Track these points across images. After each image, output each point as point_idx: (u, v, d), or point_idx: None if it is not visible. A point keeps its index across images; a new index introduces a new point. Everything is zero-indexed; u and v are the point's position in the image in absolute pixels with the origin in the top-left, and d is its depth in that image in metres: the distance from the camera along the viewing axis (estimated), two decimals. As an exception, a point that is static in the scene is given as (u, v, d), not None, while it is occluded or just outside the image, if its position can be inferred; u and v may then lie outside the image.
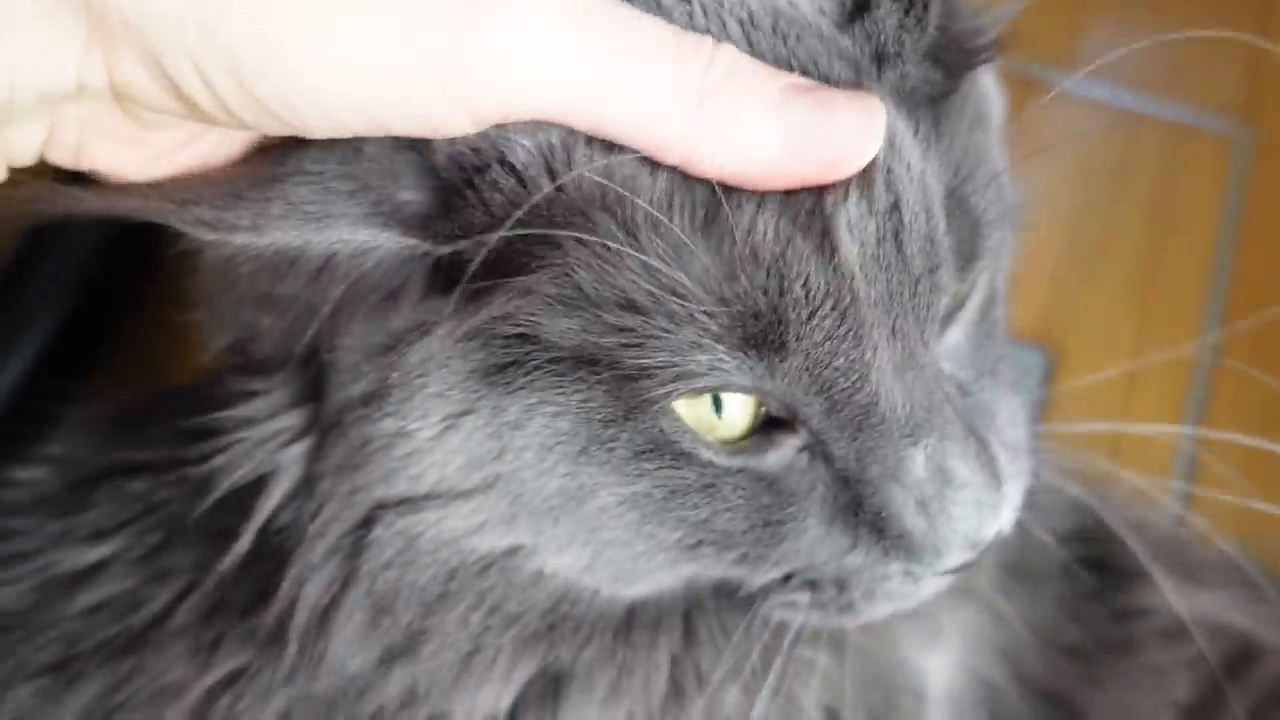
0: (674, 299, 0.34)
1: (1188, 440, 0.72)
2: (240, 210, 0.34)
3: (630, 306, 0.34)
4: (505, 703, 0.42)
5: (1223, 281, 0.81)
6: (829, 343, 0.35)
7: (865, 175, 0.34)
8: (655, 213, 0.33)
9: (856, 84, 0.35)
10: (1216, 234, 0.82)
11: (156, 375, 0.53)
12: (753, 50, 0.35)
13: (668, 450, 0.36)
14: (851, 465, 0.37)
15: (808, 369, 0.35)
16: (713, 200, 0.34)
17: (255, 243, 0.34)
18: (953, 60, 0.38)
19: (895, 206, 0.35)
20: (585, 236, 0.34)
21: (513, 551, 0.40)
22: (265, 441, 0.40)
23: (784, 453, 0.37)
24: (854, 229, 0.34)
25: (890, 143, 0.35)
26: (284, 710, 0.43)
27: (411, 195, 0.35)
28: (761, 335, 0.34)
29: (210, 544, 0.43)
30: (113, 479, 0.47)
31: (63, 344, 0.69)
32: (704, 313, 0.34)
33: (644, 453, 0.36)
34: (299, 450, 0.40)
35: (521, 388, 0.36)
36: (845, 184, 0.34)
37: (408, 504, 0.39)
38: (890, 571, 0.39)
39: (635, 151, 0.33)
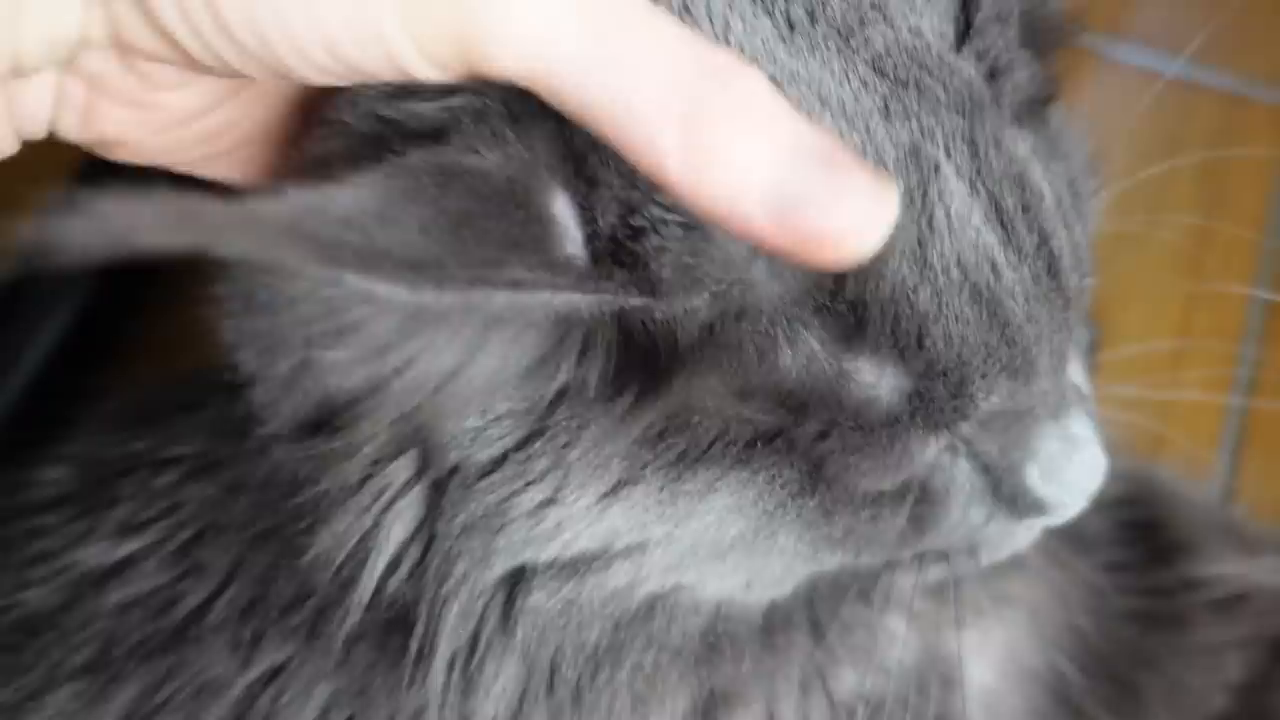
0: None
1: (1235, 412, 0.71)
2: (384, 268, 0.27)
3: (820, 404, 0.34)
4: None
5: (1274, 252, 0.80)
6: (1004, 399, 0.36)
7: (1005, 224, 0.34)
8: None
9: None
10: (1268, 204, 0.81)
11: (170, 366, 0.52)
12: (877, 71, 0.34)
13: (853, 499, 0.37)
14: (994, 457, 0.38)
15: (980, 419, 0.36)
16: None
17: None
18: (1046, 43, 0.39)
19: (1043, 240, 0.35)
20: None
21: (674, 590, 0.39)
22: (369, 506, 0.37)
23: (929, 454, 0.38)
24: (1015, 292, 0.34)
25: (1022, 183, 0.35)
26: (326, 705, 0.42)
27: (575, 250, 0.31)
28: (949, 419, 0.35)
29: (250, 545, 0.43)
30: (135, 474, 0.46)
31: (76, 340, 0.67)
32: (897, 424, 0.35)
33: (833, 508, 0.37)
34: (406, 505, 0.37)
35: (699, 460, 0.35)
36: (997, 244, 0.34)
37: (560, 568, 0.37)
38: (1017, 529, 0.42)
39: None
